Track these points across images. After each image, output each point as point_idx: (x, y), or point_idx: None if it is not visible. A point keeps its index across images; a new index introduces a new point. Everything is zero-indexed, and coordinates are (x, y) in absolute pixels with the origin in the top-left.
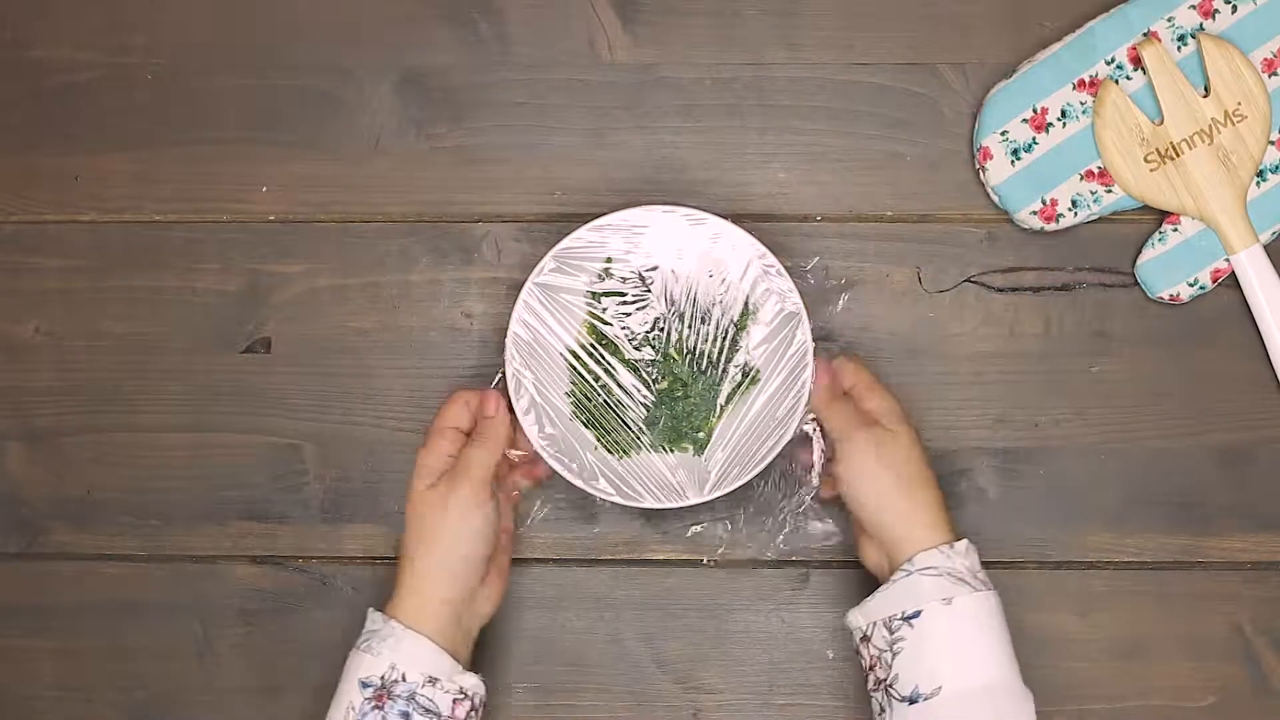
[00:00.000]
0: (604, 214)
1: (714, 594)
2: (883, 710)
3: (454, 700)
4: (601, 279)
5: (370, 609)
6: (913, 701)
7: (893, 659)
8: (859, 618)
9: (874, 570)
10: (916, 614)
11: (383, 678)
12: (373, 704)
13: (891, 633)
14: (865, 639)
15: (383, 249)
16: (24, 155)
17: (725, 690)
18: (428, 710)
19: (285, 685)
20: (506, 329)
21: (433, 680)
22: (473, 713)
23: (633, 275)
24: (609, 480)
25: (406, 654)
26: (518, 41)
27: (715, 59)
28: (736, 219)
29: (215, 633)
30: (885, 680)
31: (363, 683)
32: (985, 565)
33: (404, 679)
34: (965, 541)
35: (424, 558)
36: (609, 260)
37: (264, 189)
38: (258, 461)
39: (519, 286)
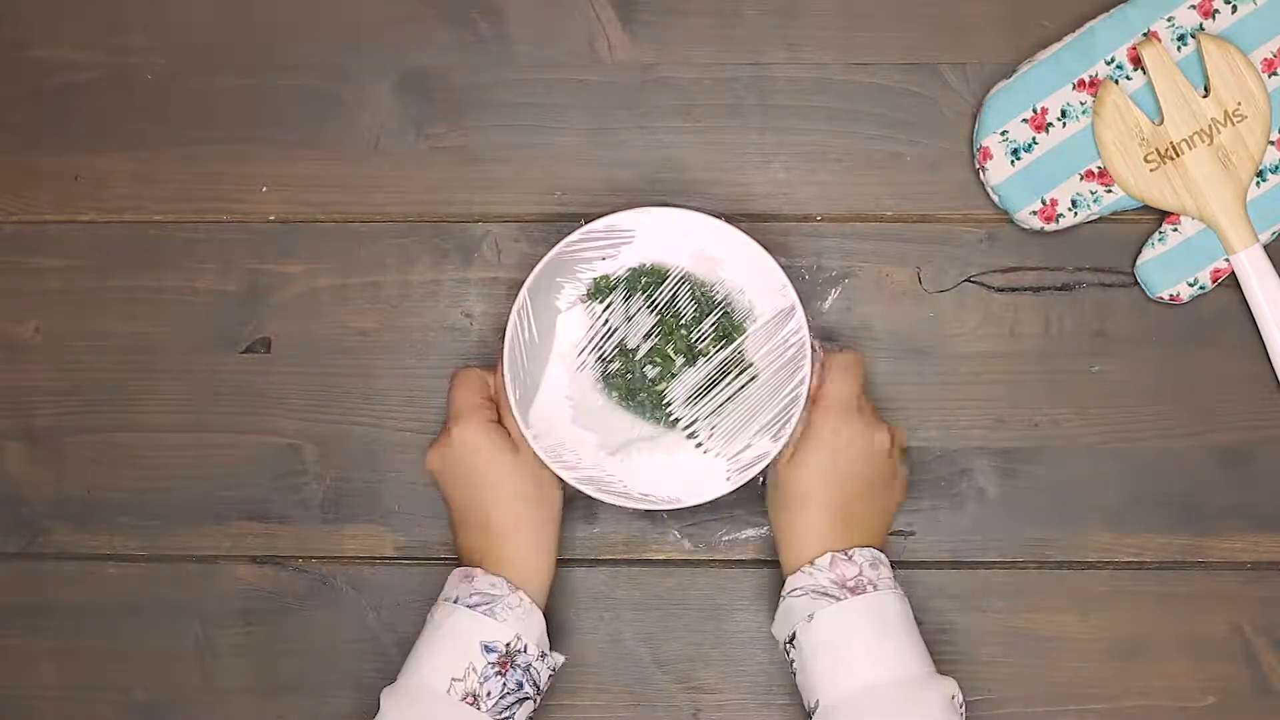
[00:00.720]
0: (603, 214)
1: (714, 594)
2: None
3: (549, 675)
4: (600, 279)
5: (477, 570)
6: (810, 717)
7: (795, 679)
8: (778, 642)
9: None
10: (793, 636)
11: (508, 645)
12: (496, 669)
13: (788, 655)
14: (789, 662)
15: (383, 249)
16: (24, 155)
17: (725, 690)
18: (534, 683)
19: (285, 685)
20: (505, 329)
21: (543, 655)
22: (550, 680)
23: (630, 275)
24: (608, 480)
25: (529, 626)
26: (518, 41)
27: (715, 59)
28: (736, 219)
29: (215, 633)
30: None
31: (487, 646)
32: (985, 565)
33: (525, 650)
34: (829, 555)
35: (502, 509)
36: (604, 259)
37: (264, 189)
38: (258, 461)
39: (519, 286)
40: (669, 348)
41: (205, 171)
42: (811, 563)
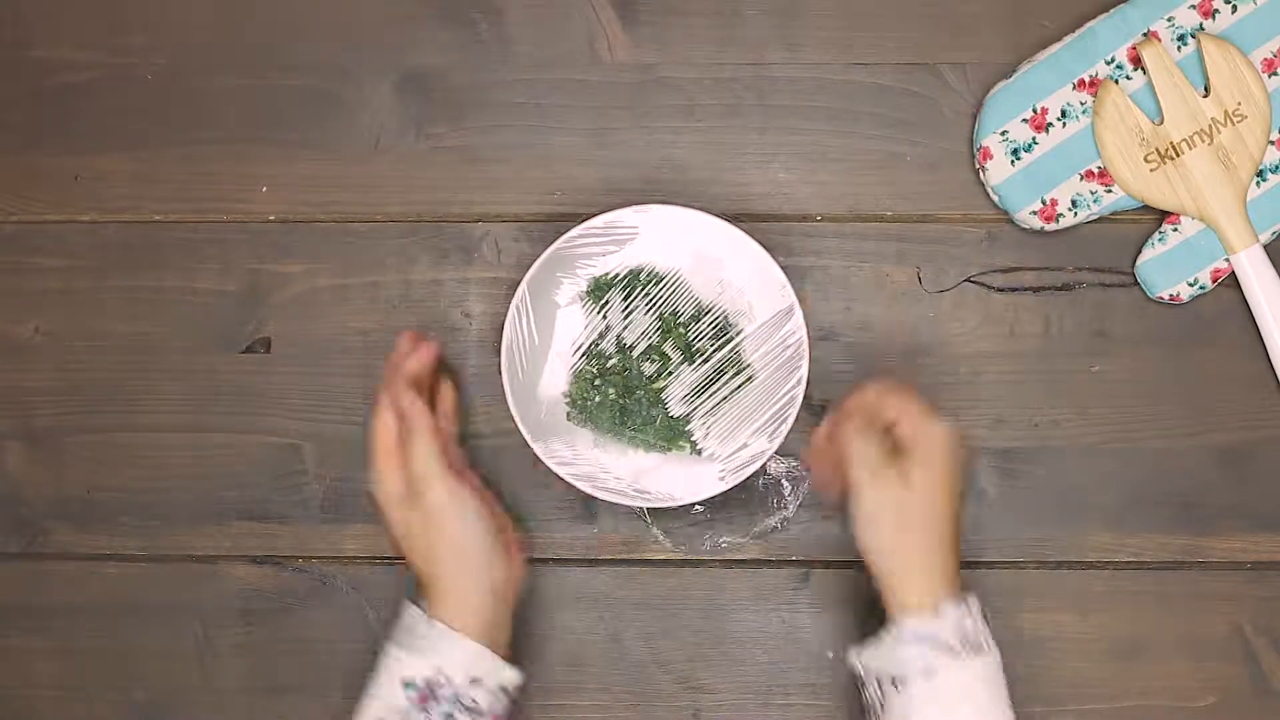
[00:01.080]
0: (601, 213)
1: (714, 594)
2: None
3: (494, 698)
4: (598, 278)
5: (408, 603)
6: None
7: (883, 712)
8: (855, 663)
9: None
10: (903, 679)
11: (427, 680)
12: (417, 706)
13: (881, 689)
14: (863, 683)
15: (383, 249)
16: (24, 155)
17: (725, 690)
18: (471, 710)
19: (285, 685)
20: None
21: (475, 681)
22: (511, 704)
23: (630, 273)
24: (607, 480)
25: (450, 656)
26: (518, 41)
27: (715, 59)
28: (736, 219)
29: (215, 633)
30: None
31: (406, 683)
32: (985, 565)
33: (449, 681)
34: (953, 603)
35: (442, 566)
36: (605, 256)
37: (264, 189)
38: (258, 461)
39: (518, 286)
40: (666, 346)
41: (205, 171)
42: (935, 610)
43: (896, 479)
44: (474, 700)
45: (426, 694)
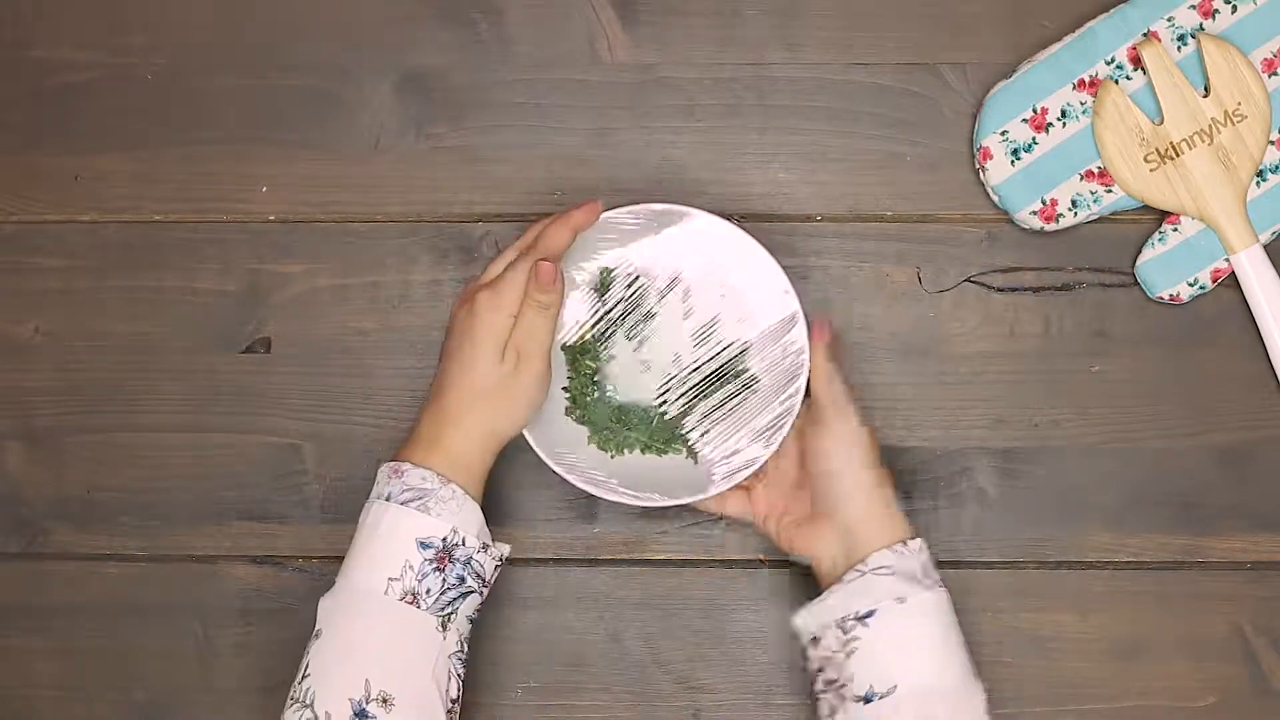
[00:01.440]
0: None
1: (714, 594)
2: (833, 712)
3: (495, 566)
4: (604, 270)
5: (407, 464)
6: (868, 700)
7: (845, 659)
8: (809, 620)
9: (818, 560)
10: (870, 613)
11: (444, 540)
12: (433, 565)
13: (845, 633)
14: (815, 640)
15: (383, 249)
16: (24, 155)
17: (725, 690)
18: (477, 575)
19: (285, 685)
20: None
21: (485, 546)
22: (496, 574)
23: (630, 274)
24: (608, 479)
25: (466, 519)
26: (518, 41)
27: (715, 59)
28: (737, 219)
29: (215, 633)
30: (837, 681)
31: (423, 543)
32: (985, 565)
33: (464, 543)
34: (919, 540)
35: (478, 426)
36: (621, 247)
37: (264, 189)
38: (258, 461)
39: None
40: (668, 347)
41: (205, 171)
42: (905, 543)
43: (860, 419)
44: (481, 566)
45: (443, 554)
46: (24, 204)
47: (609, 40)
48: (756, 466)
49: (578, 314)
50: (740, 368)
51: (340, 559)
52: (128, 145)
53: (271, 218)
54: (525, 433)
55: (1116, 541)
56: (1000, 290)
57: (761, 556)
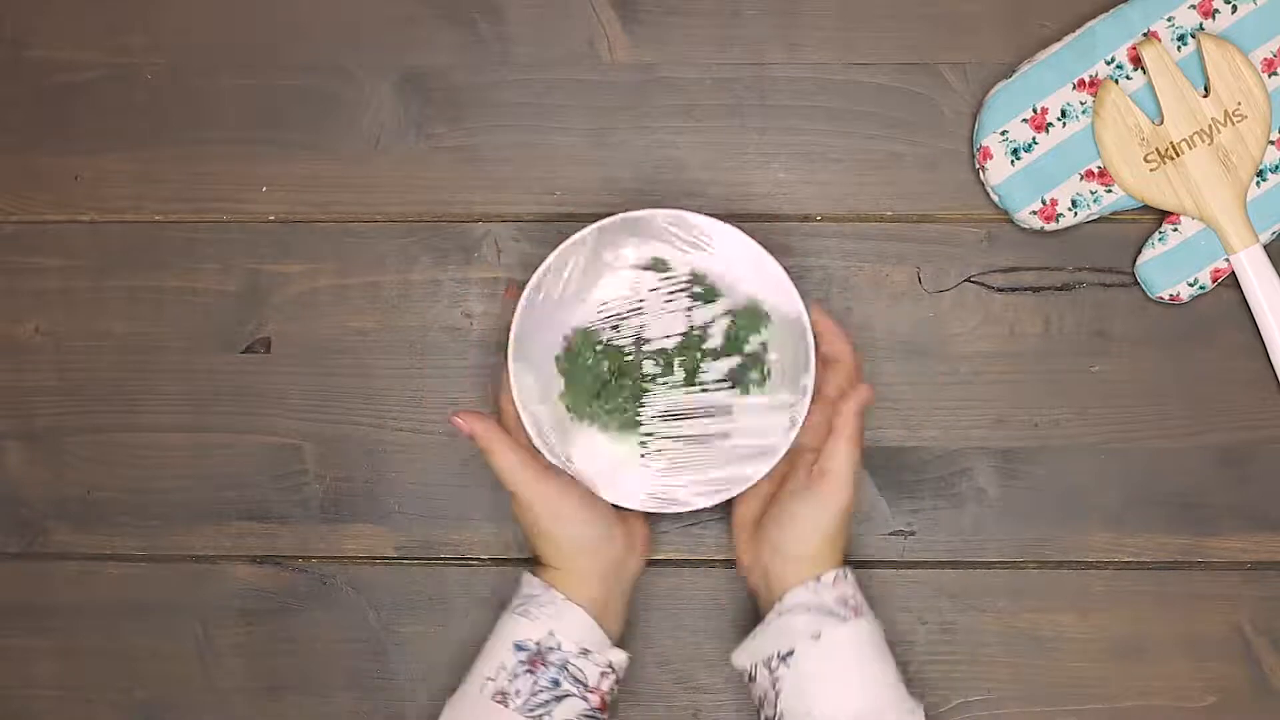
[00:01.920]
0: (606, 214)
1: (714, 594)
2: None
3: (601, 673)
4: (657, 259)
5: (525, 573)
6: None
7: (776, 697)
8: (743, 658)
9: (751, 588)
10: (790, 653)
11: (538, 643)
12: (526, 667)
13: (771, 672)
14: (751, 679)
15: (383, 249)
16: (24, 155)
17: (725, 690)
18: (576, 680)
19: (285, 685)
20: (508, 328)
21: (585, 652)
22: (616, 685)
23: (633, 274)
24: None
25: (564, 623)
26: (518, 41)
27: (715, 59)
28: (736, 219)
29: (215, 633)
30: (774, 717)
31: (518, 645)
32: (985, 565)
33: (559, 647)
34: (835, 571)
35: (553, 545)
36: (675, 250)
37: (264, 189)
38: (258, 461)
39: (520, 286)
40: (676, 359)
41: (205, 171)
42: (817, 579)
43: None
44: (581, 671)
45: (537, 657)
46: (24, 204)
47: (609, 40)
48: (745, 488)
49: (579, 318)
50: (729, 413)
51: (340, 559)
52: (128, 145)
53: (271, 218)
54: (529, 433)
55: (1116, 541)
56: (1000, 290)
57: None
